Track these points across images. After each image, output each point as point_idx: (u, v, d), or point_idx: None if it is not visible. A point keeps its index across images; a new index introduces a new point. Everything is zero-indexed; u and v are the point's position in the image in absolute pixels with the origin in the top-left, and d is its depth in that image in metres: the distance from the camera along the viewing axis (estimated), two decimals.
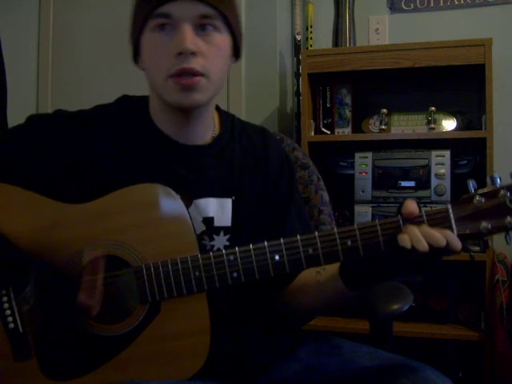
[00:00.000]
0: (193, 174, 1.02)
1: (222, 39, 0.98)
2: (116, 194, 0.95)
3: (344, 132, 2.13)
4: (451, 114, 2.03)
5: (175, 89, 0.95)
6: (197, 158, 1.04)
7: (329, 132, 2.14)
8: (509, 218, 0.85)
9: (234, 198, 1.03)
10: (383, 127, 2.05)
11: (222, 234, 1.02)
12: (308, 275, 1.04)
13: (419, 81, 2.19)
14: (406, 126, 2.06)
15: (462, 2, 2.22)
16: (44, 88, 2.61)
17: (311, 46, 2.32)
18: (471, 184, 0.88)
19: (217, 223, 1.02)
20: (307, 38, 2.33)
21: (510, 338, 1.81)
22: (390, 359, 0.98)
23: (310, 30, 2.33)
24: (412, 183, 1.96)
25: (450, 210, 0.86)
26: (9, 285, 0.93)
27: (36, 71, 2.62)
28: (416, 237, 0.84)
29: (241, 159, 1.07)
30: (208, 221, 1.01)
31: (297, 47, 2.34)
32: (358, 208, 2.00)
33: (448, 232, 0.84)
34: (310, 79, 2.08)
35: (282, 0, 2.38)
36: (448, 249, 0.84)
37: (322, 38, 2.30)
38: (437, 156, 1.94)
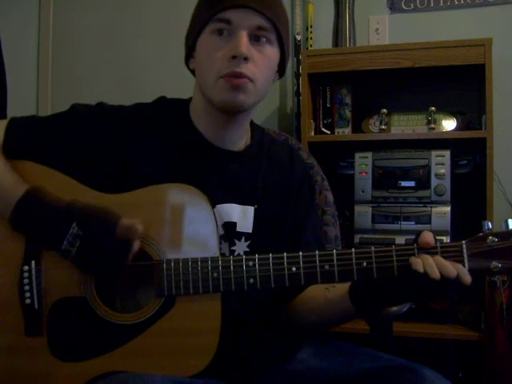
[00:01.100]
0: (221, 178, 1.06)
1: (273, 52, 1.03)
2: (147, 190, 0.99)
3: (344, 132, 2.13)
4: (451, 114, 2.03)
5: (225, 88, 0.99)
6: (228, 163, 1.08)
7: (329, 132, 2.14)
8: None
9: (256, 206, 1.07)
10: (383, 127, 2.05)
11: (243, 239, 1.05)
12: (317, 290, 1.05)
13: (419, 81, 2.18)
14: (406, 126, 2.06)
15: (462, 1, 2.22)
16: (44, 88, 2.61)
17: (311, 46, 2.32)
18: (486, 224, 0.91)
19: (239, 228, 1.05)
20: (307, 38, 2.33)
21: (510, 338, 1.81)
22: (390, 361, 0.99)
23: (310, 29, 2.33)
24: (412, 183, 1.95)
25: (464, 246, 0.90)
26: (38, 254, 0.95)
27: (36, 71, 2.62)
28: (429, 263, 0.87)
29: (266, 171, 1.11)
30: (230, 226, 1.04)
31: (297, 47, 2.34)
32: (357, 208, 2.00)
33: (460, 266, 0.88)
34: (310, 79, 2.07)
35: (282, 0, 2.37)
36: (458, 281, 0.87)
37: (322, 38, 2.30)
38: (437, 156, 1.94)
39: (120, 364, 0.92)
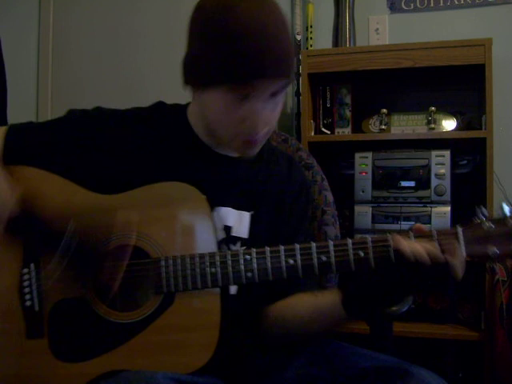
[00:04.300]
0: (219, 181, 1.06)
1: (283, 98, 1.00)
2: (145, 189, 0.99)
3: (344, 132, 2.13)
4: (451, 114, 2.03)
5: (240, 145, 1.00)
6: (226, 167, 1.08)
7: (329, 132, 2.14)
8: None
9: (252, 212, 1.07)
10: (383, 127, 2.05)
11: (238, 244, 1.05)
12: (304, 297, 1.05)
13: (419, 81, 2.19)
14: (405, 126, 2.06)
15: (462, 1, 2.22)
16: (44, 88, 2.61)
17: (311, 46, 2.32)
18: (480, 210, 0.91)
19: (234, 233, 1.05)
20: (307, 38, 2.33)
21: (510, 338, 1.81)
22: (386, 361, 0.98)
23: (310, 30, 2.33)
24: (412, 183, 1.95)
25: (460, 232, 0.90)
26: (37, 257, 0.96)
27: (36, 71, 2.62)
28: (411, 243, 0.88)
29: (264, 179, 1.11)
30: (226, 229, 1.05)
31: (297, 47, 2.34)
32: (358, 208, 2.00)
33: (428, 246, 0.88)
34: (310, 79, 2.08)
35: (282, 0, 2.37)
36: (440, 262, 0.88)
37: (321, 38, 2.30)
38: (437, 156, 1.94)
39: (122, 362, 0.92)
